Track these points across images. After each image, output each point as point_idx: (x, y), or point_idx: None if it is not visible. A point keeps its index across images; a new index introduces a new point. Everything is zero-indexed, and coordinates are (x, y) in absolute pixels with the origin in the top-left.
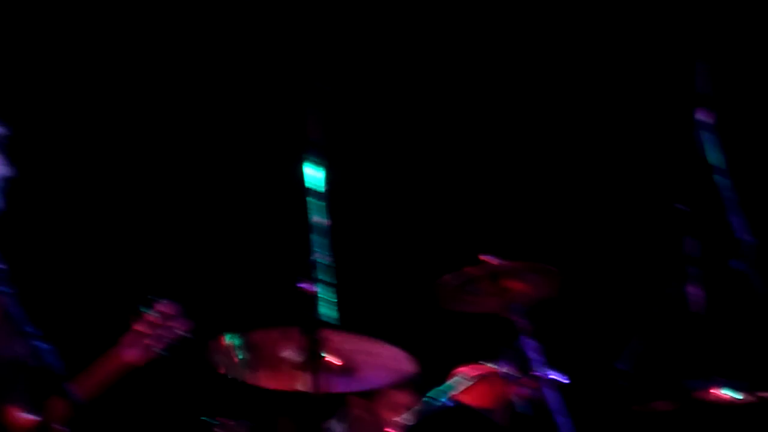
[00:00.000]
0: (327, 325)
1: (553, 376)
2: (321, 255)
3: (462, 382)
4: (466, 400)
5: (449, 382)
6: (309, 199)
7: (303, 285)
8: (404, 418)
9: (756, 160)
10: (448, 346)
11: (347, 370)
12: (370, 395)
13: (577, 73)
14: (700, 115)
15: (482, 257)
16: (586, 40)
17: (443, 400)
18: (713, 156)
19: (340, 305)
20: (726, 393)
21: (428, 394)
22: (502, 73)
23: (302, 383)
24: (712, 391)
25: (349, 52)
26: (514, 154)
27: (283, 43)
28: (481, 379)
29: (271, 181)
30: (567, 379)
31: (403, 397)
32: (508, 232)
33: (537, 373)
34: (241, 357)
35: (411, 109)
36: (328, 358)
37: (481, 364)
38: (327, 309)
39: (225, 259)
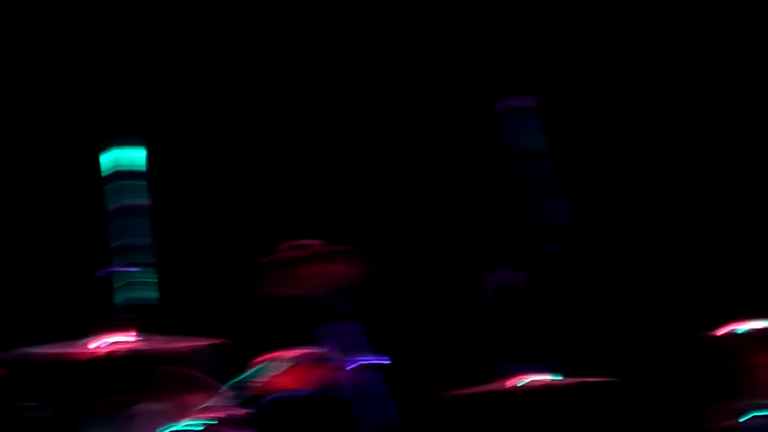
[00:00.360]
0: (140, 309)
1: (371, 359)
2: (141, 236)
3: (278, 366)
4: (283, 383)
5: (264, 366)
6: (106, 185)
7: (102, 272)
8: (215, 402)
9: (576, 145)
10: (266, 330)
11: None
12: (176, 378)
13: (393, 60)
14: (521, 101)
15: (300, 240)
16: (400, 26)
17: (258, 383)
18: (535, 141)
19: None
20: (543, 377)
21: (241, 378)
22: (305, 56)
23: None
24: (528, 374)
25: (161, 31)
26: (331, 139)
27: (91, 21)
28: (298, 362)
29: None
30: (385, 362)
31: (208, 383)
32: (325, 215)
33: (354, 356)
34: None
35: (228, 92)
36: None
37: (298, 347)
38: (147, 290)
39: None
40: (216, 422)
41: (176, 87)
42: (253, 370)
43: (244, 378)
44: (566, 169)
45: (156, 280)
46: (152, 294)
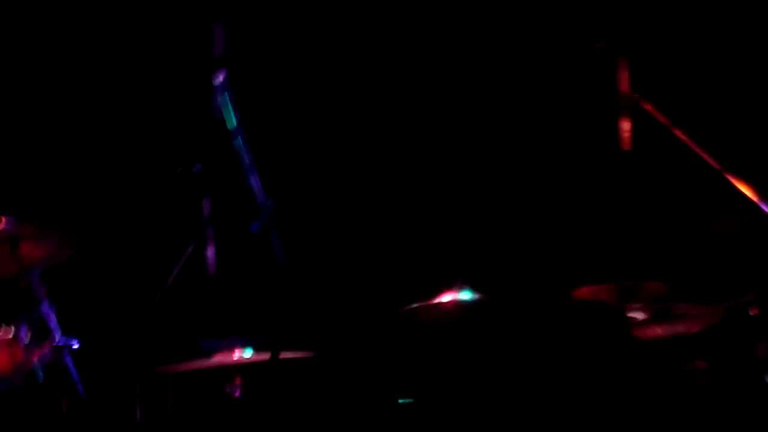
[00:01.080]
0: None
1: (67, 340)
2: None
3: None
4: None
5: None
6: None
7: None
8: None
9: (272, 121)
10: None
11: None
12: None
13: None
14: (216, 77)
15: None
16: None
17: None
18: (230, 118)
19: None
20: (239, 352)
21: None
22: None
23: None
24: (226, 350)
25: None
26: (25, 114)
27: None
28: None
29: None
30: (79, 344)
31: None
32: (17, 193)
33: (52, 338)
34: None
35: None
36: None
37: None
38: None
39: None
40: None
41: None
42: None
43: None
44: (261, 147)
45: None
46: None
